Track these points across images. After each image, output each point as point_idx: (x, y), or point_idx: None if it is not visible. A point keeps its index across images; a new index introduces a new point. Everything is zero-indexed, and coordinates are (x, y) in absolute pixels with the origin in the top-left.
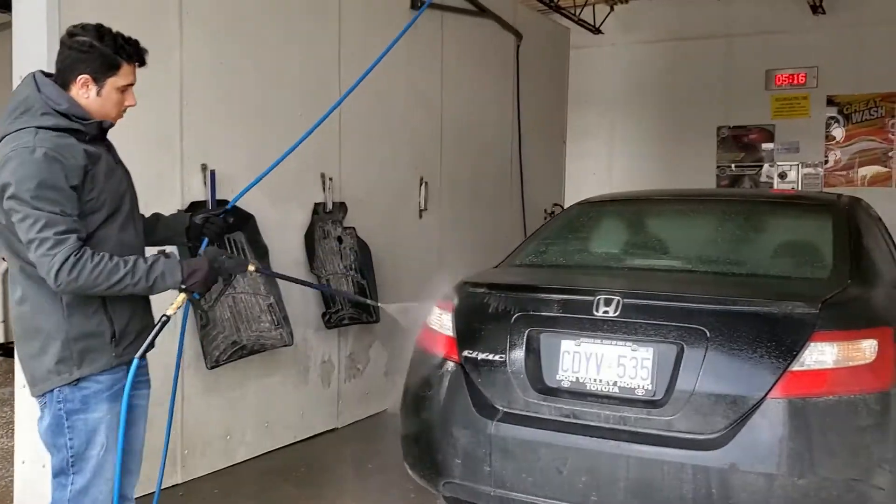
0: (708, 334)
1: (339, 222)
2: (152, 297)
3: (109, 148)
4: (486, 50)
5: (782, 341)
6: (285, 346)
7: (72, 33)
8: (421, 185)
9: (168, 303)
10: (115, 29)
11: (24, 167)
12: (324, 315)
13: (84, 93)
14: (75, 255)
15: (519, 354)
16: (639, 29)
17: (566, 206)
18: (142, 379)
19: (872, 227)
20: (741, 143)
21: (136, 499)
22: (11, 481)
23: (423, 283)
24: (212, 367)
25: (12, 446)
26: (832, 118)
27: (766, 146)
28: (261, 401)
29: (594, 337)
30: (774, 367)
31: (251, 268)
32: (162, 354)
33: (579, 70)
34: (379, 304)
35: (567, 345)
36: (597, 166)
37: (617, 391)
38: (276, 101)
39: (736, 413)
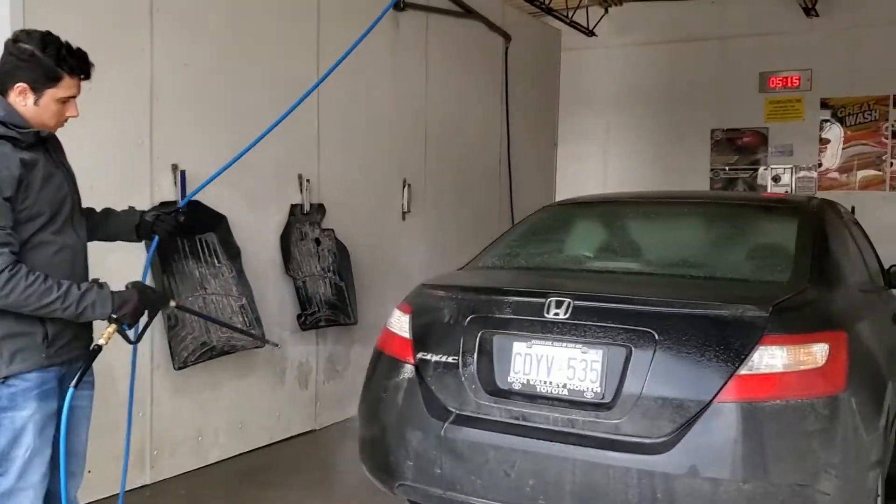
0: (656, 337)
1: (318, 224)
2: None
3: (49, 150)
4: (472, 52)
5: (731, 345)
6: (257, 347)
7: (16, 39)
8: (404, 187)
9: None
10: (64, 39)
11: None
12: (299, 317)
13: (21, 100)
14: (9, 270)
15: (472, 356)
16: (633, 31)
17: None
18: (85, 380)
19: (841, 230)
20: (735, 145)
21: (101, 500)
22: None
23: (405, 286)
24: (179, 368)
25: None
26: (826, 121)
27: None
28: (234, 402)
29: (545, 339)
30: (722, 370)
31: (172, 304)
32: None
33: (573, 72)
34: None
35: (519, 347)
36: (591, 169)
37: (566, 393)
38: (250, 102)
39: (683, 417)
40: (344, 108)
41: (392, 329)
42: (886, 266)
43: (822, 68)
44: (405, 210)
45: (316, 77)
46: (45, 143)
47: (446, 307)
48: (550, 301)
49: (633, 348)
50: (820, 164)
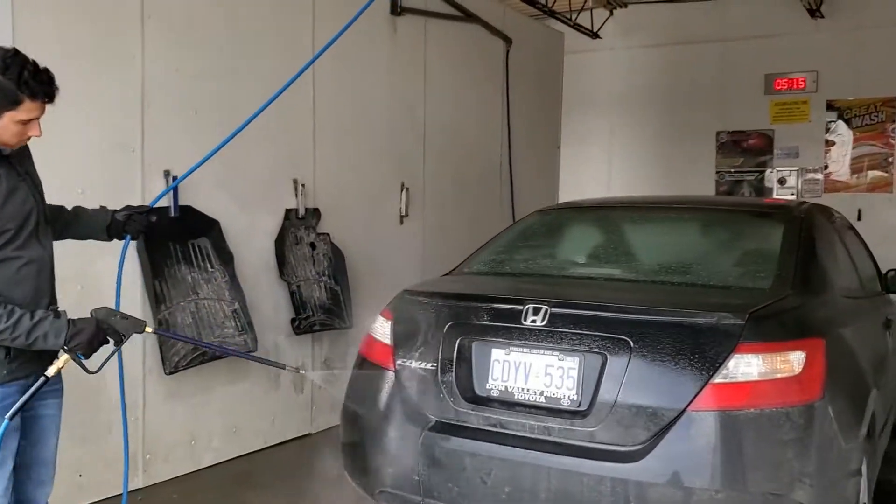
0: (631, 344)
1: (313, 228)
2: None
3: (13, 162)
4: (472, 55)
5: (705, 353)
6: (249, 352)
7: None
8: (402, 191)
9: None
10: (29, 59)
11: None
12: (293, 321)
13: None
14: None
15: (450, 363)
16: (637, 33)
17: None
18: (50, 388)
19: (830, 236)
20: (740, 147)
21: (98, 502)
22: None
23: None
24: (170, 373)
25: None
26: (832, 123)
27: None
28: (228, 406)
29: (523, 346)
30: (696, 378)
31: (148, 329)
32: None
33: (577, 75)
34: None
35: (497, 353)
36: (595, 171)
37: (543, 401)
38: (243, 108)
39: (656, 425)
40: (340, 113)
41: (374, 335)
42: (884, 271)
43: (828, 70)
44: (403, 214)
45: (311, 81)
46: (7, 157)
47: (426, 314)
48: (528, 308)
49: (608, 356)
50: (826, 167)
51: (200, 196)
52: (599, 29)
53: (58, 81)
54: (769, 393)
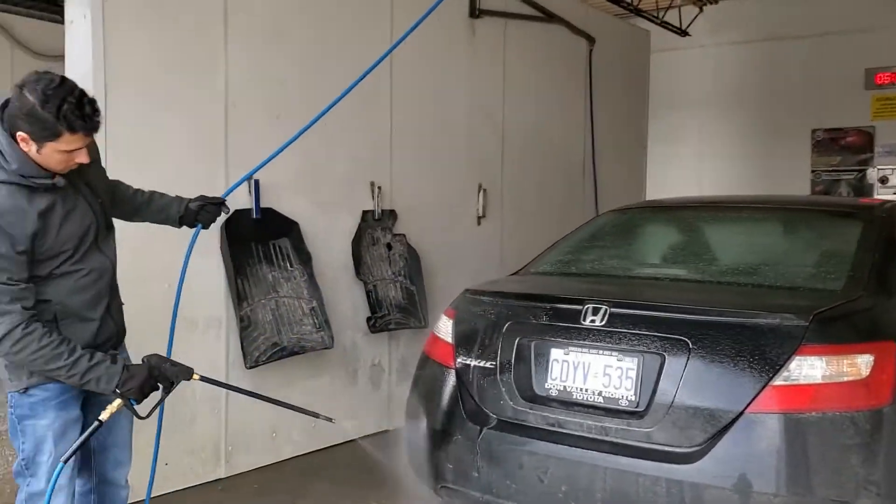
0: (690, 345)
1: (389, 229)
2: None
3: (70, 179)
4: (553, 56)
5: (766, 354)
6: (325, 348)
7: (22, 85)
8: (479, 192)
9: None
10: (74, 89)
11: None
12: (369, 319)
13: (25, 146)
14: (23, 328)
15: (509, 362)
16: (728, 30)
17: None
18: None
19: None
20: (838, 145)
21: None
22: None
23: None
24: (251, 367)
25: None
26: None
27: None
28: (308, 401)
29: (582, 346)
30: (756, 380)
31: (196, 376)
32: (208, 352)
33: (665, 73)
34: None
35: (556, 353)
36: (685, 171)
37: (602, 401)
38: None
39: (714, 427)
40: (417, 116)
41: (437, 334)
42: None
43: None
44: (480, 215)
45: (390, 86)
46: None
47: (486, 313)
48: (587, 308)
49: (666, 356)
50: None
51: (281, 198)
52: (688, 26)
53: (148, 88)
54: (833, 396)
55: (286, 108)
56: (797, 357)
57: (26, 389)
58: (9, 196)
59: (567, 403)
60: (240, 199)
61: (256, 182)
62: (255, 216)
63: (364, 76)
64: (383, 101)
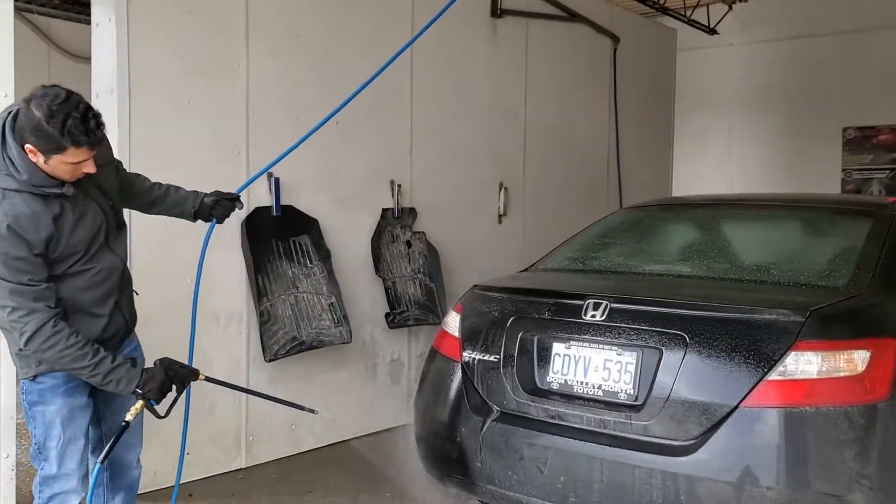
0: (687, 340)
1: (409, 227)
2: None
3: (81, 183)
4: (576, 55)
5: (762, 349)
6: (343, 343)
7: (29, 99)
8: (500, 190)
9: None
10: (80, 104)
11: None
12: (387, 315)
13: (34, 158)
14: (52, 326)
15: (513, 356)
16: (758, 28)
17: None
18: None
19: None
20: (870, 144)
21: (198, 480)
22: None
23: None
24: (270, 360)
25: None
26: None
27: None
28: (327, 394)
29: (583, 341)
30: (751, 375)
31: (202, 377)
32: (229, 346)
33: (693, 72)
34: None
35: (558, 347)
36: (714, 170)
37: (601, 394)
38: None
39: (709, 420)
40: (438, 114)
41: (445, 328)
42: None
43: None
44: (501, 213)
45: (410, 85)
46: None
47: (492, 308)
48: (589, 303)
49: (664, 351)
50: None
51: (301, 196)
52: (717, 24)
53: (171, 89)
54: (828, 391)
55: (306, 109)
56: (793, 352)
57: (35, 377)
58: (24, 203)
59: (568, 396)
60: (260, 197)
61: (277, 180)
62: (275, 213)
63: (380, 71)
64: (404, 100)
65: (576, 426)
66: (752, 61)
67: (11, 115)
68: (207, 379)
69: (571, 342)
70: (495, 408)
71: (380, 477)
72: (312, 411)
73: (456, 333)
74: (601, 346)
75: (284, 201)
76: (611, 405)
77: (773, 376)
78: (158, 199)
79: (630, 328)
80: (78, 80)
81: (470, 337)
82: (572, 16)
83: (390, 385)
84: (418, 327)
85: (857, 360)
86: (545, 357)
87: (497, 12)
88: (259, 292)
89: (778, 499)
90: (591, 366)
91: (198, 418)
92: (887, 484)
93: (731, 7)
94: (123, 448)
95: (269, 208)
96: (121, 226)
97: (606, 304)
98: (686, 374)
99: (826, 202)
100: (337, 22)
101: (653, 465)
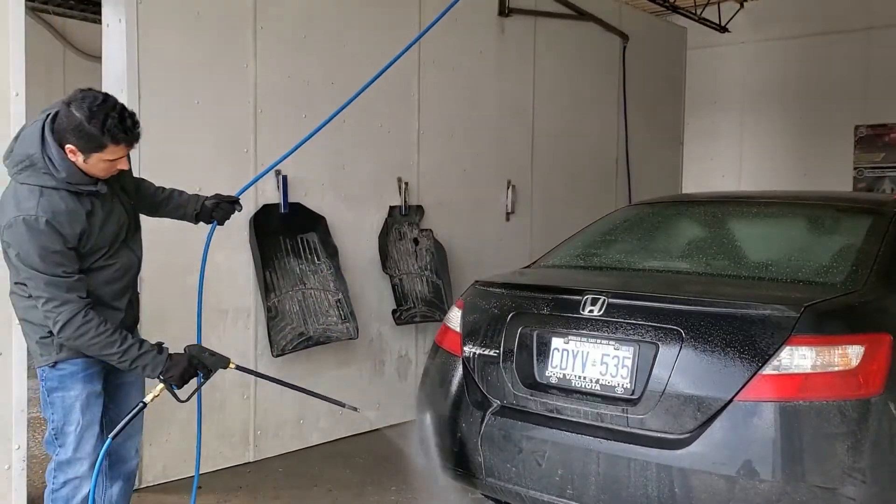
0: (683, 334)
1: (416, 224)
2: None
3: (108, 182)
4: (585, 53)
5: (756, 344)
6: (350, 339)
7: (69, 102)
8: (508, 188)
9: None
10: (116, 105)
11: (29, 236)
12: (394, 312)
13: (73, 157)
14: (83, 316)
15: (512, 351)
16: (770, 25)
17: None
18: None
19: None
20: (882, 142)
21: (204, 474)
22: None
23: None
24: (277, 356)
25: None
26: None
27: None
28: (335, 389)
29: (581, 336)
30: (745, 369)
31: (232, 365)
32: (237, 341)
33: (704, 70)
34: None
35: (557, 342)
36: (725, 168)
37: (599, 388)
38: (350, 111)
39: (704, 414)
40: (445, 112)
41: (448, 324)
42: None
43: None
44: (509, 211)
45: (418, 83)
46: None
47: (492, 304)
48: (587, 298)
49: (660, 345)
50: None
51: (309, 194)
52: (728, 22)
53: (180, 88)
54: (822, 386)
55: (314, 108)
56: (787, 347)
57: (55, 364)
58: (61, 200)
59: (566, 391)
60: (268, 194)
61: (285, 177)
62: (283, 210)
63: (384, 70)
64: (411, 98)
65: (574, 420)
66: (763, 59)
67: (50, 116)
68: (238, 367)
69: (570, 337)
70: (495, 402)
71: (385, 472)
72: (354, 409)
73: (457, 329)
74: (599, 340)
75: (292, 199)
76: (608, 399)
77: (768, 370)
78: (162, 203)
79: (627, 323)
80: (92, 79)
81: (471, 332)
82: (581, 14)
83: (397, 381)
84: (425, 324)
85: (851, 354)
86: (544, 352)
87: (505, 11)
88: (267, 288)
89: (771, 491)
90: (588, 360)
91: (207, 413)
92: (880, 477)
93: (742, 5)
94: (123, 436)
95: (277, 205)
96: (138, 226)
97: (604, 300)
98: (681, 368)
99: (827, 199)
100: (344, 21)
101: (648, 457)
